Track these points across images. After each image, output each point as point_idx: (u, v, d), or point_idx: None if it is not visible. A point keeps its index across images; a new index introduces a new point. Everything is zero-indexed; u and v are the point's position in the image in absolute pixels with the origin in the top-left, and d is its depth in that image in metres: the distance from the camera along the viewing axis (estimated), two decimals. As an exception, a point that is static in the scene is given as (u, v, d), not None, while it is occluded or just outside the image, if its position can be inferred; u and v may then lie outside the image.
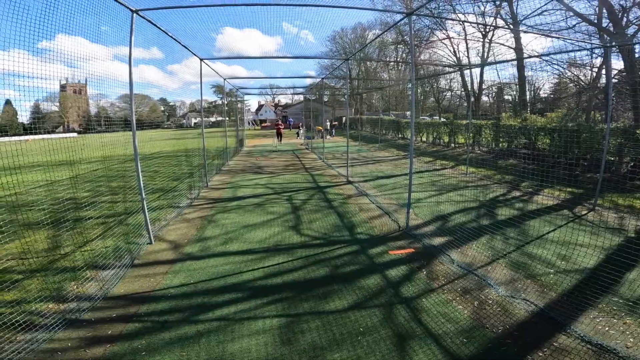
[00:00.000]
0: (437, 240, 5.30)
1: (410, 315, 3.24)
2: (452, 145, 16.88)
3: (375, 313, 3.32)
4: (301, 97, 48.01)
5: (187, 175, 11.21)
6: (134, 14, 4.70)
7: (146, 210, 5.26)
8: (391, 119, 26.38)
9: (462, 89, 23.29)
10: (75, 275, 4.34)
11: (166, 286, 4.09)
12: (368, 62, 37.67)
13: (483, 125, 14.22)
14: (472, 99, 19.89)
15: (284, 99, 73.20)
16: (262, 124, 57.19)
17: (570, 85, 16.32)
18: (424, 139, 20.00)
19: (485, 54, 20.73)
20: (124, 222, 6.39)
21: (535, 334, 2.93)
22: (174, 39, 6.69)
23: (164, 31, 5.98)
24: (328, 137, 28.37)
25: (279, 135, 24.99)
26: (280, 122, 26.84)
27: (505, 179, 9.83)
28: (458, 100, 25.83)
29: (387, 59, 35.47)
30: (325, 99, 45.71)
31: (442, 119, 24.99)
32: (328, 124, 31.10)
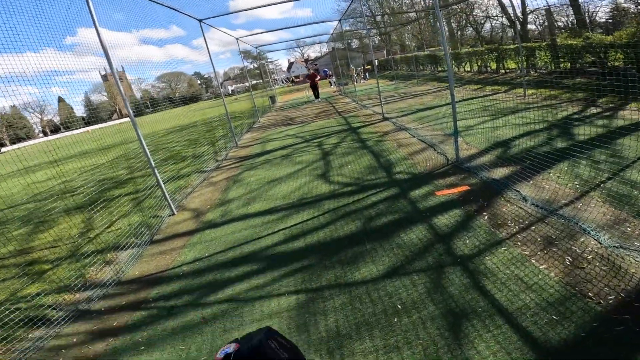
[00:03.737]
0: (499, 172, 4.16)
1: (470, 282, 2.35)
2: (502, 71, 14.45)
3: (419, 281, 2.48)
4: (329, 48, 45.47)
5: (216, 139, 10.81)
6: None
7: (162, 183, 4.81)
8: (427, 53, 23.56)
9: (502, 15, 19.53)
10: (96, 260, 4.07)
11: (180, 263, 3.64)
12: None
13: (536, 47, 11.72)
14: (518, 26, 16.69)
15: (312, 53, 69.79)
16: (295, 80, 55.69)
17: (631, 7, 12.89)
18: (467, 68, 17.43)
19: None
20: (153, 194, 6.10)
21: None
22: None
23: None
24: (362, 80, 26.65)
25: (315, 88, 18.48)
26: (314, 73, 19.55)
27: (576, 96, 7.96)
28: (501, 30, 21.90)
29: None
30: (355, 45, 42.32)
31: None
32: (360, 68, 29.10)
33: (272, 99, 21.62)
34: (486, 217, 3.25)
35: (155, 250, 4.06)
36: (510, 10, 13.65)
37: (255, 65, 16.51)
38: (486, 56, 15.02)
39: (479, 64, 15.83)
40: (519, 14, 17.02)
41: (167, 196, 4.94)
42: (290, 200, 4.62)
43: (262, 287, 2.86)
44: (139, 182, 7.30)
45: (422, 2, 31.66)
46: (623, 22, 12.90)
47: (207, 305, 2.79)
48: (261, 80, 16.12)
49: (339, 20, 14.52)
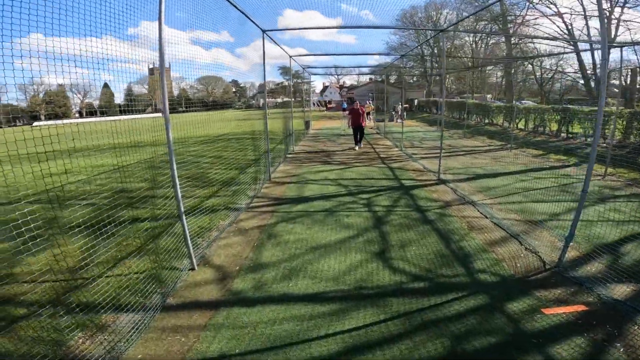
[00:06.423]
0: (619, 290, 3.30)
1: None
2: (563, 135, 13.55)
3: None
4: (367, 79, 45.78)
5: (249, 165, 10.02)
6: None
7: (187, 230, 3.93)
8: (474, 102, 22.94)
9: (578, 71, 18.87)
10: (88, 320, 3.13)
11: (200, 356, 2.69)
12: (456, 41, 33.89)
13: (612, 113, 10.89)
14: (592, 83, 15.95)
15: (348, 80, 70.57)
16: (328, 105, 55.60)
17: None
18: (520, 125, 16.68)
19: (613, 32, 16.23)
20: (170, 230, 5.19)
21: None
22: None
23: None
24: (399, 120, 25.87)
25: (359, 130, 13.00)
26: (361, 107, 13.05)
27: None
28: (571, 83, 21.27)
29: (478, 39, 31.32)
30: (392, 80, 42.36)
31: (533, 103, 20.95)
32: (399, 107, 28.26)
33: (307, 124, 21.11)
34: (621, 349, 2.51)
35: (166, 323, 3.13)
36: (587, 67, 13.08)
37: (291, 83, 16.10)
38: (547, 115, 14.09)
39: (536, 122, 14.93)
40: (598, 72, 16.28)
41: (189, 241, 4.03)
42: (344, 285, 3.67)
43: None
44: (158, 205, 6.41)
45: (485, 46, 31.67)
46: None
47: None
48: (293, 99, 15.57)
49: (402, 56, 14.09)
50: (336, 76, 64.78)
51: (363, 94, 45.93)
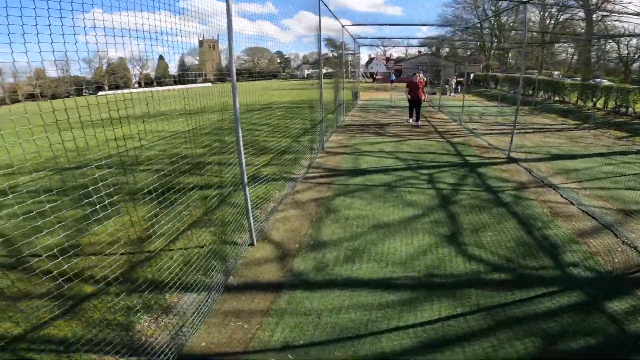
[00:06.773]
0: None
1: None
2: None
3: None
4: (415, 51, 43.42)
5: (303, 133, 9.76)
6: None
7: (249, 203, 3.79)
8: (543, 78, 20.61)
9: None
10: (153, 301, 3.01)
11: (263, 345, 2.55)
12: (520, 15, 30.87)
13: None
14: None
15: (395, 53, 67.13)
16: (375, 77, 53.36)
17: None
18: (598, 105, 14.71)
19: None
20: (229, 201, 5.13)
21: None
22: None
23: None
24: (452, 94, 24.24)
25: (416, 105, 11.44)
26: (420, 81, 11.65)
27: None
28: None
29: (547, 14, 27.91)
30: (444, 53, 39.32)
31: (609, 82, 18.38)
32: (453, 81, 26.37)
33: (356, 94, 20.45)
34: None
35: (228, 306, 2.99)
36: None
37: (336, 55, 15.48)
38: (632, 96, 12.32)
39: (617, 102, 13.14)
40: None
41: (251, 215, 3.90)
42: (413, 272, 3.36)
43: None
44: (218, 172, 6.34)
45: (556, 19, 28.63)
46: None
47: None
48: (343, 70, 14.92)
49: (465, 29, 12.94)
50: (382, 48, 61.86)
51: (412, 67, 43.30)
